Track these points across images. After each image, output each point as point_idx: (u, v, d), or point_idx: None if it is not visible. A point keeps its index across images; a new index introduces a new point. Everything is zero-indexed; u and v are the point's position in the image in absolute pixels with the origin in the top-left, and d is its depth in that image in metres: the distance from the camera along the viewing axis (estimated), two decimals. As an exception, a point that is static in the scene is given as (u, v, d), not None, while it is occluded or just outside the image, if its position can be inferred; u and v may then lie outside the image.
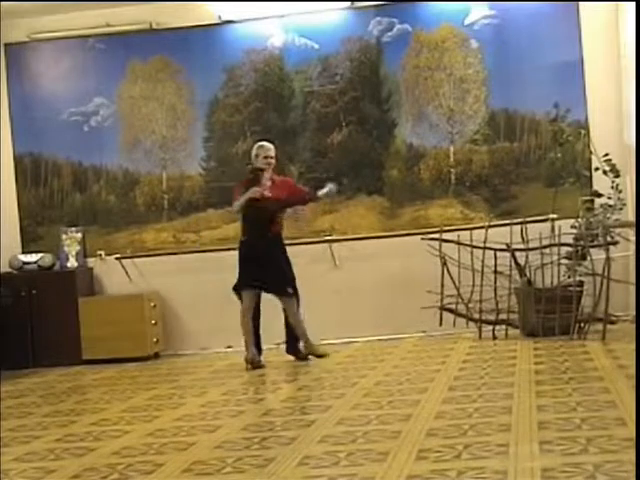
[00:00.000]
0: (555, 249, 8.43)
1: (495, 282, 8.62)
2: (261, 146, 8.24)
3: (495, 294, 8.61)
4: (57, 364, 9.19)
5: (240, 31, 9.81)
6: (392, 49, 9.57)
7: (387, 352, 8.19)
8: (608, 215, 8.40)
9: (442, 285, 8.79)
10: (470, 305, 8.74)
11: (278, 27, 9.73)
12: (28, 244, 10.10)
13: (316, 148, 9.68)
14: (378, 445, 4.38)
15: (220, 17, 9.71)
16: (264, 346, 8.19)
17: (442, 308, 8.80)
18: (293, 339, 8.18)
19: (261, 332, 8.12)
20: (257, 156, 8.18)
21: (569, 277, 8.41)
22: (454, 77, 9.50)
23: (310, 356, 8.08)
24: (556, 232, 8.67)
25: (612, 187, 8.48)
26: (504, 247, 8.58)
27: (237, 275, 8.00)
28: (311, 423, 5.12)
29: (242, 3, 9.52)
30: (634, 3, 7.50)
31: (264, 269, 7.88)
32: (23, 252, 9.98)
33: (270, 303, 8.02)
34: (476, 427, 4.57)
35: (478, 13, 9.40)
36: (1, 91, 10.10)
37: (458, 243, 8.84)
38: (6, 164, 10.13)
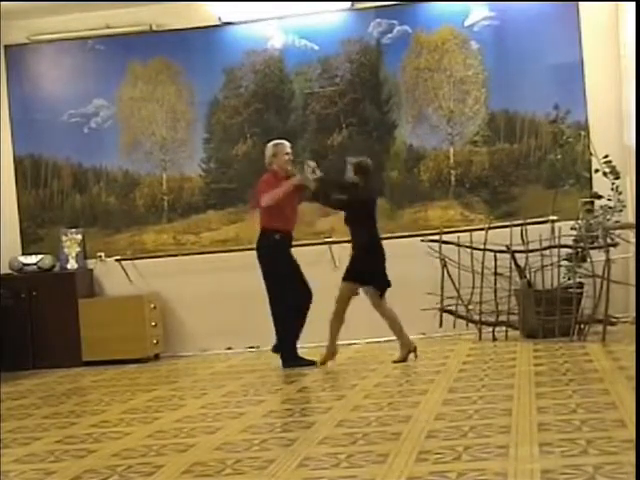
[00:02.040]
0: (555, 251, 8.43)
1: (495, 284, 8.62)
2: (280, 144, 8.01)
3: (495, 296, 8.61)
4: (57, 365, 9.19)
5: (240, 32, 9.81)
6: (392, 51, 9.58)
7: (387, 354, 8.18)
8: (608, 217, 8.40)
9: (442, 287, 8.79)
10: (470, 307, 8.74)
11: (278, 28, 9.73)
12: (28, 245, 10.10)
13: (316, 149, 9.68)
14: (378, 447, 4.38)
15: (220, 19, 9.71)
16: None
17: (442, 310, 8.80)
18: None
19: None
20: (276, 155, 7.94)
21: (569, 279, 8.41)
22: (454, 78, 9.51)
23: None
24: (556, 234, 8.68)
25: (612, 189, 8.48)
26: (504, 249, 8.58)
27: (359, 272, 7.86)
28: (311, 425, 5.12)
29: (242, 4, 9.53)
30: (634, 3, 7.50)
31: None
32: (23, 253, 9.99)
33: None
34: (476, 429, 4.57)
35: (478, 14, 9.41)
36: (1, 93, 10.11)
37: (458, 245, 8.84)
38: (6, 166, 10.14)
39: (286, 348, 7.89)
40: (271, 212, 7.81)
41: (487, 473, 3.70)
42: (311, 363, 7.80)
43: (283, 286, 7.81)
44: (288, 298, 7.81)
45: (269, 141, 8.20)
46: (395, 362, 7.73)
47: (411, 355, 7.82)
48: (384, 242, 9.12)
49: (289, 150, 8.04)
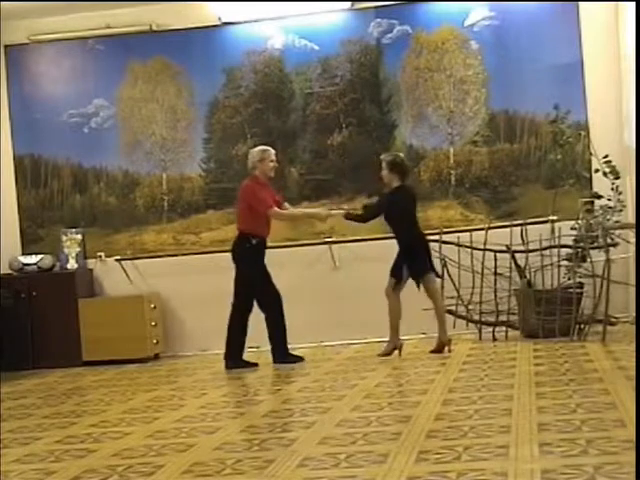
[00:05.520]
0: (555, 251, 8.43)
1: (495, 284, 8.62)
2: (267, 150, 8.23)
3: (495, 296, 8.61)
4: (57, 365, 9.19)
5: (240, 32, 9.82)
6: (392, 51, 9.58)
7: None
8: (608, 217, 8.40)
9: (442, 287, 8.77)
10: (470, 307, 8.74)
11: (278, 28, 9.73)
12: (28, 245, 10.10)
13: (316, 149, 9.69)
14: (378, 447, 4.38)
15: (220, 19, 9.72)
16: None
17: (442, 309, 8.79)
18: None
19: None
20: (262, 160, 8.13)
21: (569, 279, 8.41)
22: (454, 78, 9.51)
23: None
24: (556, 234, 8.68)
25: (612, 189, 8.48)
26: (504, 249, 8.58)
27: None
28: (311, 425, 5.11)
29: (242, 4, 9.53)
30: (634, 3, 7.50)
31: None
32: (23, 253, 9.99)
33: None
34: (476, 429, 4.57)
35: (478, 14, 9.41)
36: (1, 92, 10.11)
37: (458, 245, 8.84)
38: (6, 165, 10.14)
39: (232, 351, 8.11)
40: (253, 218, 8.00)
41: (487, 473, 3.69)
42: (254, 365, 8.06)
43: (249, 290, 8.00)
44: (249, 303, 8.01)
45: (258, 145, 8.37)
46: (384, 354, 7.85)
47: (395, 352, 7.90)
48: (382, 242, 9.15)
49: (274, 157, 8.21)
